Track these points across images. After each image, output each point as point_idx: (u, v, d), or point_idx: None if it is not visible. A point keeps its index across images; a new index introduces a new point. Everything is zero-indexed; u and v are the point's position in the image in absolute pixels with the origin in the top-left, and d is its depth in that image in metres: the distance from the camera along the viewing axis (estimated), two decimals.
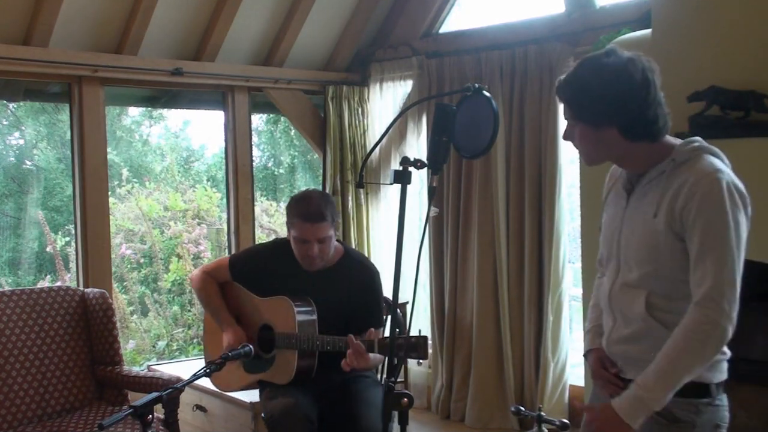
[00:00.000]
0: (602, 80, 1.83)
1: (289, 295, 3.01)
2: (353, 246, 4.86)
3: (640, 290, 1.91)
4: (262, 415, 3.18)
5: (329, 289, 3.04)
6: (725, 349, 1.92)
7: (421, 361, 2.30)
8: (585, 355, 2.18)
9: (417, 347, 2.34)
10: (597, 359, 2.07)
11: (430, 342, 4.93)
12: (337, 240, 3.13)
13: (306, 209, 2.94)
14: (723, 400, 1.93)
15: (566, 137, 1.95)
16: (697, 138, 1.93)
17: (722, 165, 1.87)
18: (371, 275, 3.13)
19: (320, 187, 5.16)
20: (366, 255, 3.18)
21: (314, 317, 2.98)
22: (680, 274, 1.86)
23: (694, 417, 1.88)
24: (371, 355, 2.73)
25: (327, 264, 3.07)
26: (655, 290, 1.89)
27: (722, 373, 1.93)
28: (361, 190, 5.09)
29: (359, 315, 3.00)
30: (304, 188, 3.44)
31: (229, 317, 3.14)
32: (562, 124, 2.23)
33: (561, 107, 1.94)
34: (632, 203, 1.96)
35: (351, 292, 3.05)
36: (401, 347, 2.43)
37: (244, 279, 3.20)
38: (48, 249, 6.45)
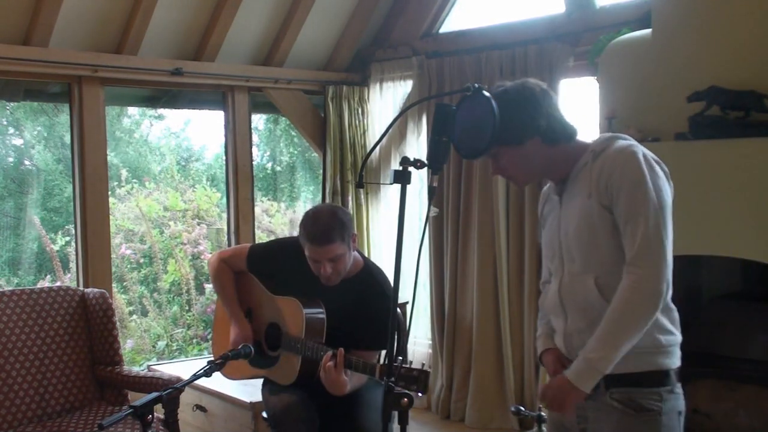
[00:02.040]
0: (510, 100, 1.98)
1: (301, 297, 2.95)
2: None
3: (587, 276, 1.98)
4: (264, 414, 3.18)
5: (341, 299, 2.96)
6: (675, 330, 1.99)
7: (420, 394, 2.30)
8: (540, 358, 2.22)
9: (417, 380, 2.33)
10: (555, 359, 2.12)
11: (430, 350, 4.93)
12: (358, 252, 3.04)
13: (313, 231, 2.83)
14: (680, 388, 2.01)
15: (495, 172, 2.10)
16: (607, 133, 2.11)
17: (634, 142, 2.00)
18: (384, 300, 2.92)
19: (320, 188, 5.17)
20: (384, 272, 3.09)
21: (323, 324, 2.92)
22: (618, 249, 1.94)
23: (659, 405, 1.95)
24: (350, 379, 2.71)
25: (345, 276, 2.97)
26: (601, 273, 1.96)
27: (678, 359, 2.00)
28: (361, 190, 5.09)
29: (360, 334, 2.90)
30: (312, 199, 3.38)
31: (238, 310, 3.10)
32: None
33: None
34: (565, 201, 2.07)
35: (361, 309, 2.93)
36: (402, 377, 2.40)
37: (260, 272, 3.14)
38: (48, 249, 6.45)
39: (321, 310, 2.95)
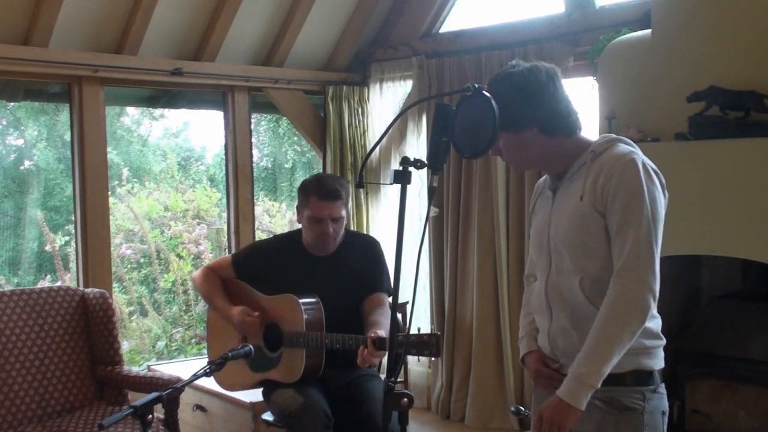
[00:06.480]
0: (512, 86, 1.99)
1: (296, 289, 3.01)
2: None
3: (573, 276, 1.98)
4: (268, 414, 3.17)
5: (338, 272, 3.07)
6: (660, 334, 2.00)
7: (434, 358, 2.33)
8: (522, 360, 2.22)
9: (429, 345, 2.32)
10: (537, 359, 2.13)
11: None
12: None
13: (322, 187, 3.01)
14: (664, 388, 2.02)
15: (494, 153, 2.08)
16: (611, 134, 2.10)
17: (635, 149, 2.00)
18: (373, 244, 3.22)
19: None
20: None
21: (321, 314, 2.99)
22: (606, 254, 1.94)
23: (642, 404, 1.95)
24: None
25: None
26: (587, 274, 1.96)
27: (661, 360, 2.00)
28: (361, 190, 5.09)
29: (367, 284, 3.06)
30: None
31: (230, 305, 3.14)
32: None
33: None
34: (558, 198, 2.06)
35: (358, 267, 3.10)
36: (413, 345, 2.43)
37: (250, 276, 3.20)
38: (47, 248, 6.45)
39: (316, 299, 3.02)
